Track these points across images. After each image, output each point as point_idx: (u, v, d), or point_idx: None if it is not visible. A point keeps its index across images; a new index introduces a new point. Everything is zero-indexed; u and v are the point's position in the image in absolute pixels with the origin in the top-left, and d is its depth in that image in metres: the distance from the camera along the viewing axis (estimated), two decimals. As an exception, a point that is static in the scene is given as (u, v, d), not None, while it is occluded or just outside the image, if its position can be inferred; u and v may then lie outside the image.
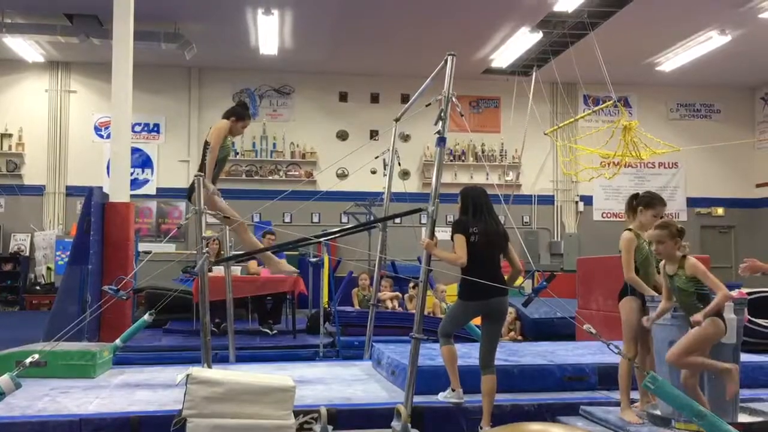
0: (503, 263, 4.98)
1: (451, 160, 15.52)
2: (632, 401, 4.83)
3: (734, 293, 4.35)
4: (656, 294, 4.65)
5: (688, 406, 3.72)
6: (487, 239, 4.79)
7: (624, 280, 4.80)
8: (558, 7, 11.46)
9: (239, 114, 6.80)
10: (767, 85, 16.40)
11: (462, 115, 5.53)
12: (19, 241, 14.73)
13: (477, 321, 5.61)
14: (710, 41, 12.99)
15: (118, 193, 8.81)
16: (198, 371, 4.29)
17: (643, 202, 4.84)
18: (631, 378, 4.77)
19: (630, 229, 4.81)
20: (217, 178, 6.72)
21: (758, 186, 16.60)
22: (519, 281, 5.02)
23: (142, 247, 12.79)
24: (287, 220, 14.70)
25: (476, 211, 4.89)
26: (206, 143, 6.60)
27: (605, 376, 5.47)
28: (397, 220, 7.24)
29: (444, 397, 5.06)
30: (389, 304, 9.58)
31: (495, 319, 4.88)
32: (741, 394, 4.53)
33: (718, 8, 11.67)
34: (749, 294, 5.30)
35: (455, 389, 5.03)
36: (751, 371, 5.66)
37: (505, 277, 4.95)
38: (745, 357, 4.94)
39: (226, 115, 6.78)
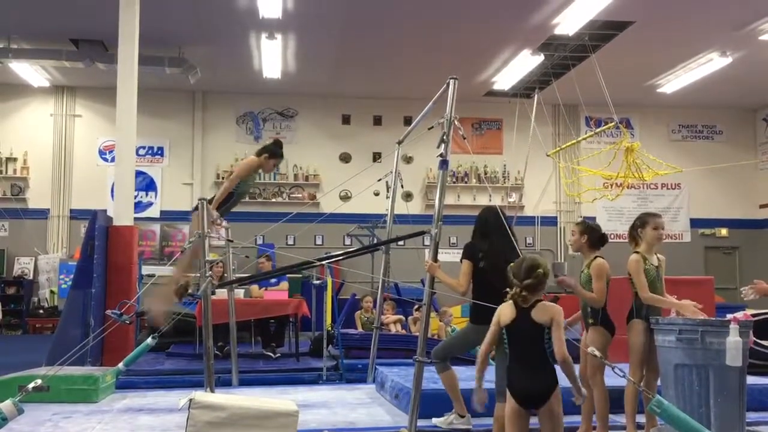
0: None
1: (454, 182, 15.56)
2: (639, 425, 4.79)
3: (739, 315, 4.34)
4: (676, 302, 4.66)
5: (695, 430, 3.69)
6: (494, 262, 4.74)
7: (633, 302, 4.80)
8: (559, 30, 11.54)
9: (273, 152, 6.69)
10: (769, 106, 16.46)
11: (464, 138, 5.56)
12: (23, 265, 14.74)
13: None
14: (711, 63, 13.05)
15: (122, 216, 8.83)
16: (201, 395, 4.27)
17: (639, 223, 4.94)
18: (637, 401, 4.74)
19: (637, 252, 4.83)
20: (228, 212, 6.64)
21: (762, 207, 16.58)
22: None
23: (146, 270, 12.78)
24: (290, 242, 14.70)
25: (486, 233, 4.86)
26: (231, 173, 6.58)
27: (610, 400, 5.43)
28: (401, 243, 7.23)
29: (448, 423, 5.01)
30: (392, 328, 9.54)
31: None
32: (748, 417, 4.50)
33: (718, 30, 11.74)
34: (754, 316, 5.28)
35: (463, 415, 4.99)
36: (758, 394, 5.62)
37: None
38: (751, 380, 4.91)
39: (260, 152, 6.67)
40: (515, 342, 3.61)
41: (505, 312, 3.65)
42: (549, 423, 3.50)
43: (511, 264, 3.74)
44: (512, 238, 4.80)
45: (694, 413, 4.12)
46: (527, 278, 3.57)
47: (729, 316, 4.29)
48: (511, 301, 3.64)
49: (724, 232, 16.62)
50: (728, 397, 4.26)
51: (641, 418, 4.87)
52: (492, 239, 4.80)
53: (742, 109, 16.68)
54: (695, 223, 16.56)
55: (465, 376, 5.99)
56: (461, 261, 4.79)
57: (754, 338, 4.48)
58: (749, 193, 16.64)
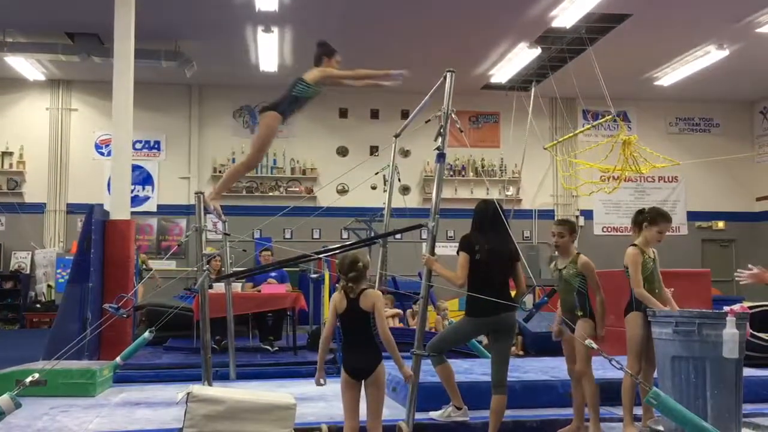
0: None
1: (451, 176, 15.55)
2: (636, 418, 4.81)
3: (736, 307, 4.35)
4: (664, 308, 4.67)
5: (691, 422, 3.70)
6: (492, 256, 4.75)
7: (631, 295, 4.81)
8: (556, 23, 11.52)
9: (328, 50, 6.11)
10: (766, 99, 16.45)
11: (461, 131, 5.55)
12: (20, 259, 14.72)
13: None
14: (708, 56, 13.04)
15: (119, 210, 8.81)
16: (198, 389, 4.27)
17: (648, 218, 4.93)
18: (634, 394, 4.75)
19: (635, 245, 4.83)
20: (292, 113, 6.15)
21: (758, 199, 16.60)
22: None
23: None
24: (288, 236, 14.70)
25: (483, 227, 4.86)
26: (300, 80, 6.03)
27: (607, 392, 5.44)
28: (398, 236, 7.23)
29: (445, 416, 5.02)
30: (390, 322, 9.56)
31: (503, 335, 4.83)
32: (744, 408, 4.51)
33: (715, 23, 11.73)
34: (751, 308, 5.29)
35: (460, 407, 5.00)
36: (755, 386, 5.65)
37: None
38: (747, 371, 4.92)
39: (318, 60, 6.11)
40: (347, 326, 4.18)
41: (338, 302, 4.17)
42: (375, 391, 4.12)
43: (337, 260, 4.25)
44: (507, 231, 4.81)
45: (691, 405, 4.13)
46: (351, 271, 4.11)
47: (726, 309, 4.30)
48: (342, 292, 4.17)
49: (720, 224, 16.65)
50: (725, 389, 4.28)
51: (638, 410, 4.88)
52: (489, 232, 4.81)
53: (739, 102, 16.68)
54: (692, 215, 16.58)
55: (462, 369, 6.02)
56: (458, 253, 4.80)
57: (751, 330, 4.49)
58: (746, 186, 16.66)
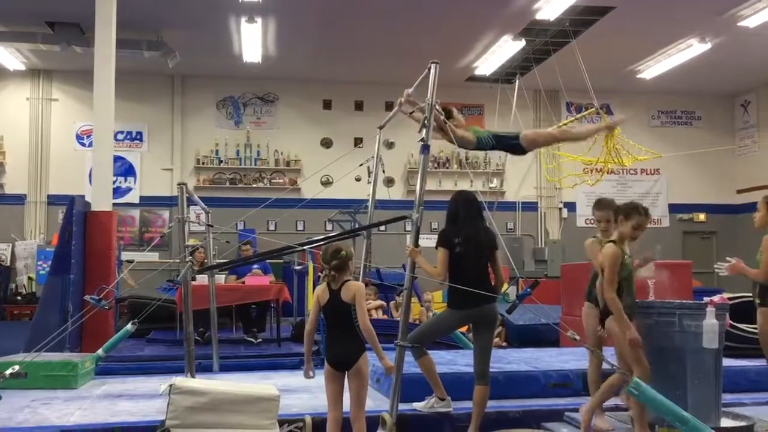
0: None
1: (436, 168, 15.56)
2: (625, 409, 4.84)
3: (716, 298, 4.39)
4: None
5: (672, 411, 3.74)
6: (472, 248, 4.75)
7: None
8: (540, 16, 11.54)
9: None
10: (747, 92, 16.59)
11: (446, 122, 5.53)
12: (0, 251, 14.56)
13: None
14: (690, 49, 13.13)
15: (101, 201, 8.74)
16: (181, 381, 4.26)
17: (623, 212, 4.51)
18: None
19: (614, 242, 4.38)
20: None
21: (739, 192, 16.77)
22: (504, 288, 5.02)
23: (125, 256, 12.70)
24: (272, 228, 14.65)
25: (462, 219, 4.87)
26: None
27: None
28: (382, 228, 7.21)
29: (429, 407, 5.03)
30: (374, 313, 9.56)
31: (485, 327, 4.84)
32: (723, 398, 4.57)
33: (698, 16, 11.81)
34: (731, 299, 5.35)
35: (443, 398, 5.02)
36: (734, 376, 5.71)
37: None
38: (727, 362, 4.98)
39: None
40: (330, 318, 4.23)
41: (321, 294, 4.22)
42: (358, 382, 4.14)
43: (321, 252, 4.31)
44: (483, 221, 4.82)
45: (671, 395, 4.17)
46: (333, 260, 4.15)
47: (706, 300, 4.34)
48: (325, 284, 4.21)
49: (701, 217, 16.82)
50: (704, 379, 4.33)
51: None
52: (465, 224, 4.81)
53: (720, 95, 16.82)
54: (674, 208, 16.74)
55: (445, 360, 6.04)
56: (437, 248, 4.80)
57: (730, 321, 4.53)
58: (727, 179, 16.82)
